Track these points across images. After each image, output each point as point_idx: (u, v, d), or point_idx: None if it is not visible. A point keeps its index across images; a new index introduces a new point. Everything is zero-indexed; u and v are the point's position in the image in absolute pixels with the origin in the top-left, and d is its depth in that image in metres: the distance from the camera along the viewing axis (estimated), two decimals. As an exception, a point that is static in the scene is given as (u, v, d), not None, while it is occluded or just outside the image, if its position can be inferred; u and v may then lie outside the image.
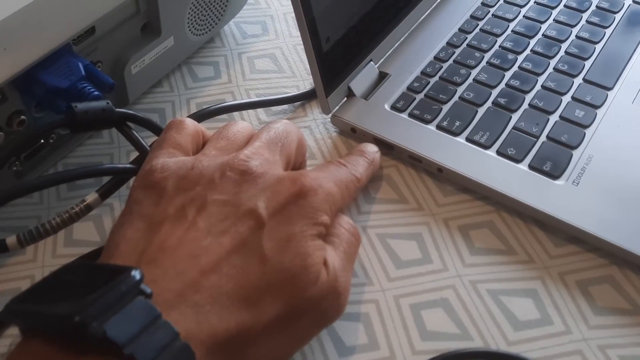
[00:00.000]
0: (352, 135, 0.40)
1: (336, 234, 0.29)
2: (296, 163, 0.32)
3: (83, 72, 0.33)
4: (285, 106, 0.43)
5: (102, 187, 0.32)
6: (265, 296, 0.25)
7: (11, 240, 0.31)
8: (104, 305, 0.20)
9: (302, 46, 0.39)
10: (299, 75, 0.46)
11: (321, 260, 0.26)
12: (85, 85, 0.33)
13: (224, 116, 0.42)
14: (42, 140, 0.37)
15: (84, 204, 0.32)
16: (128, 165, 0.33)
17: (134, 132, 0.34)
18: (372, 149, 0.36)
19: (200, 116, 0.38)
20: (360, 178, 0.32)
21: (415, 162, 0.38)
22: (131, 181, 0.34)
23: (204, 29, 0.45)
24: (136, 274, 0.22)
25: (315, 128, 0.42)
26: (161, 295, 0.23)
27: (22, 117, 0.34)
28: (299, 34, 0.37)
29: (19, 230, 0.30)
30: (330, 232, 0.29)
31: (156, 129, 0.34)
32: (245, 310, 0.24)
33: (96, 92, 0.33)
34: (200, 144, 0.32)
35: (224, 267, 0.24)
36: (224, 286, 0.24)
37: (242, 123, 0.32)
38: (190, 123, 0.32)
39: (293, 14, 0.51)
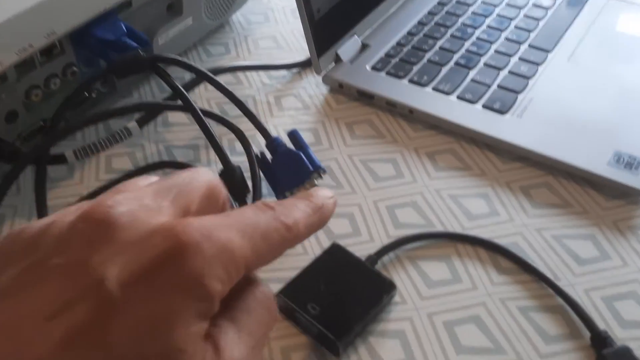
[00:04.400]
0: (340, 90, 0.49)
1: (244, 308, 0.22)
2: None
3: (124, 30, 0.42)
4: (284, 72, 0.52)
5: (140, 118, 0.41)
6: None
7: (69, 153, 0.39)
8: None
9: (299, 31, 0.48)
10: (296, 51, 0.55)
11: (203, 355, 0.19)
12: (126, 40, 0.42)
13: (232, 79, 0.51)
14: (86, 94, 0.46)
15: (125, 128, 0.40)
16: (160, 102, 0.42)
17: (166, 72, 0.42)
18: (324, 193, 0.27)
19: (215, 71, 0.47)
20: (291, 226, 0.23)
21: (391, 107, 0.47)
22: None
23: (216, 15, 0.55)
24: None
25: (309, 87, 0.50)
26: None
27: (74, 68, 0.43)
28: (295, 22, 0.46)
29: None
30: (233, 306, 0.22)
31: (184, 65, 0.42)
32: None
33: (135, 44, 0.42)
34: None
35: None
36: None
37: (201, 170, 0.23)
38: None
39: (291, 7, 0.61)
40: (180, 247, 0.19)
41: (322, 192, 0.27)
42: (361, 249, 0.37)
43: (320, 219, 0.26)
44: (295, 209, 0.24)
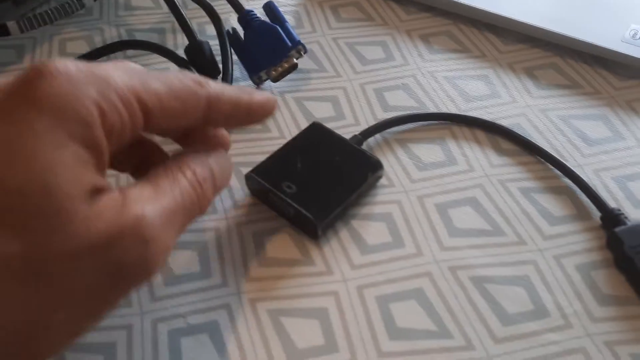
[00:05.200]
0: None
1: (169, 180, 0.20)
2: None
3: None
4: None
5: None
6: None
7: (12, 23, 0.34)
8: None
9: None
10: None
11: (81, 173, 0.17)
12: None
13: None
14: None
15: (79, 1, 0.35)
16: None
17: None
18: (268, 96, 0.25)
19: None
20: (201, 82, 0.22)
21: (381, -12, 0.42)
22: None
23: None
24: None
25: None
26: None
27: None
28: None
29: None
30: (158, 179, 0.20)
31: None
32: None
33: None
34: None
35: None
36: None
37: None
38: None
39: None
40: (40, 71, 0.18)
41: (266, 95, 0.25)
42: (345, 132, 0.33)
43: (247, 104, 0.24)
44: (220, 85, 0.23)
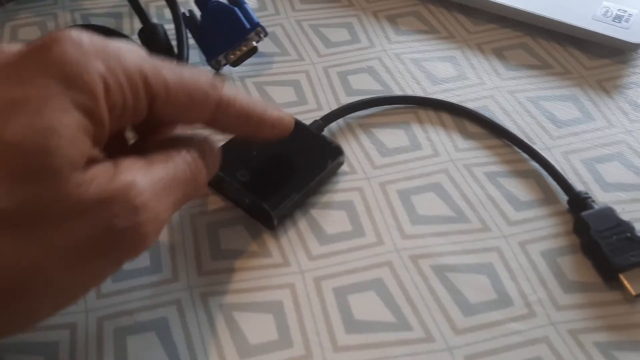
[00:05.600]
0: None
1: (163, 156, 0.20)
2: None
3: None
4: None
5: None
6: None
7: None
8: None
9: None
10: None
11: (81, 140, 0.18)
12: None
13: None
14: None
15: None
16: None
17: None
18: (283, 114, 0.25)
19: None
20: (214, 83, 0.22)
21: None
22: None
23: None
24: None
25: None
26: None
27: None
28: None
29: None
30: (152, 155, 0.20)
31: None
32: None
33: None
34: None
35: None
36: None
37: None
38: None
39: None
40: (55, 38, 0.18)
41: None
42: (306, 118, 0.32)
43: (259, 117, 0.24)
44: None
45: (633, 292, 0.24)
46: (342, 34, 0.37)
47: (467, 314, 0.24)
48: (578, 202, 0.27)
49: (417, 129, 0.31)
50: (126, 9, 0.39)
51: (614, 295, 0.25)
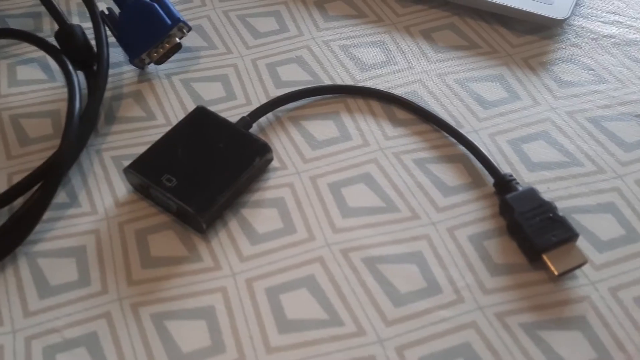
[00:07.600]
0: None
1: None
2: None
3: None
4: None
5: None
6: None
7: None
8: None
9: None
10: None
11: None
12: None
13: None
14: None
15: None
16: None
17: None
18: None
19: None
20: None
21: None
22: None
23: None
24: None
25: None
26: None
27: None
28: None
29: None
30: None
31: None
32: None
33: None
34: None
35: None
36: None
37: None
38: None
39: None
40: None
41: None
42: (236, 114, 0.31)
43: None
44: None
45: (555, 272, 0.25)
46: (270, 24, 0.36)
47: (397, 305, 0.25)
48: (503, 184, 0.27)
49: (346, 118, 0.31)
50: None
51: (538, 275, 0.25)
